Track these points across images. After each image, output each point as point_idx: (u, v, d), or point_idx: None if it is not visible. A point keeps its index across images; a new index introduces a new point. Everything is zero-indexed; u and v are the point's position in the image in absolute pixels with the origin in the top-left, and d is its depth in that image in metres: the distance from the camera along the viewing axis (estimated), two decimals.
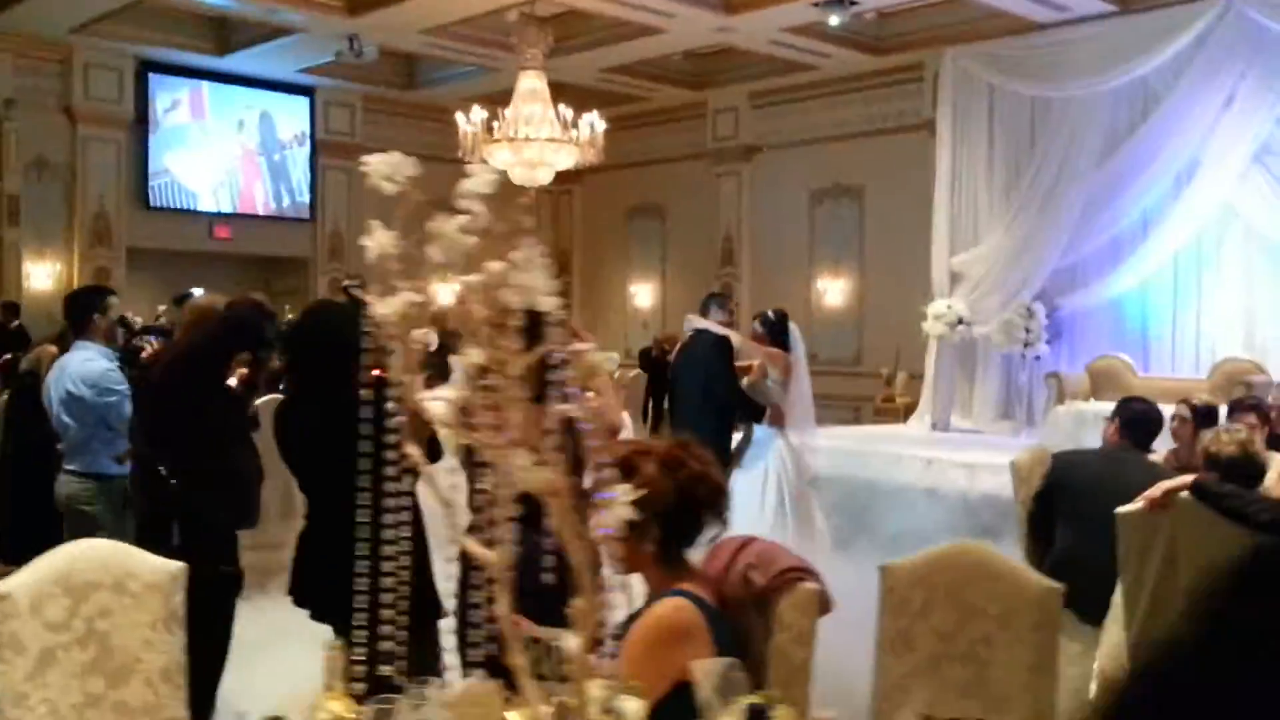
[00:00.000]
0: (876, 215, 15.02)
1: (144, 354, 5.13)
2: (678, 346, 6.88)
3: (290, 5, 11.94)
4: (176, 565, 2.79)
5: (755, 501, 6.13)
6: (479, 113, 10.28)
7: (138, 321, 6.09)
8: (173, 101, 14.60)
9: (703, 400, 6.08)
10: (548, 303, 1.56)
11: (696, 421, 6.09)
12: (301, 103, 15.65)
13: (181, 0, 12.25)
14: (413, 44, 13.41)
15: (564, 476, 1.59)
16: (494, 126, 10.65)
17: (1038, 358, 11.79)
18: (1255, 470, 3.51)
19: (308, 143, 15.77)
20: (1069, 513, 3.85)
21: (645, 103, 16.63)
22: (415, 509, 3.21)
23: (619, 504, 1.85)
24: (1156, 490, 3.49)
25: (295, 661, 3.38)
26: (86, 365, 5.09)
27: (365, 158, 1.68)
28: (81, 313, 5.30)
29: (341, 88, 15.49)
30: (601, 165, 18.13)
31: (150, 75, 14.29)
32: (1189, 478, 3.46)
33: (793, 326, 6.67)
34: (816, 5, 11.59)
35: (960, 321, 12.46)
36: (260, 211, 15.51)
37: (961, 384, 13.15)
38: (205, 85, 14.77)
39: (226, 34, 13.80)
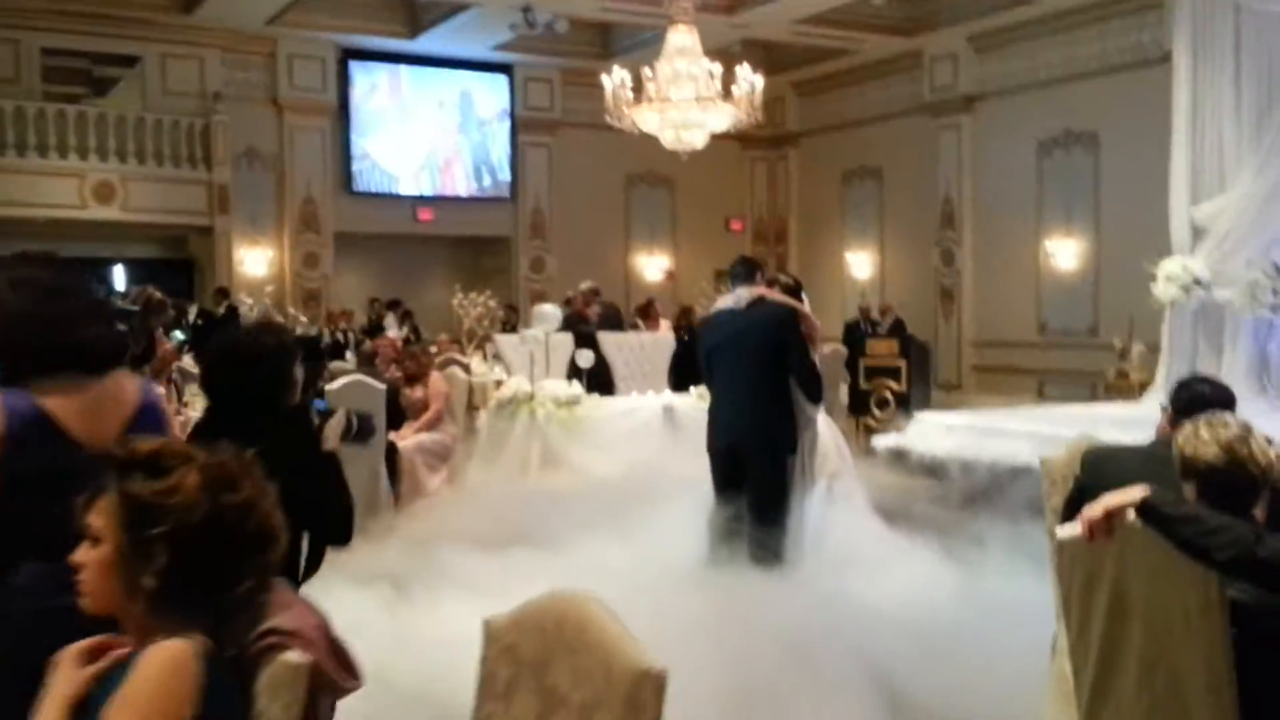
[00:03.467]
0: (1113, 164, 13.28)
1: None
2: (707, 317, 6.00)
3: None
4: None
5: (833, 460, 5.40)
6: (620, 72, 9.71)
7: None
8: (372, 86, 14.94)
9: (767, 378, 5.21)
10: None
11: (762, 403, 5.27)
12: (500, 80, 15.64)
13: None
14: (587, 9, 13.01)
15: None
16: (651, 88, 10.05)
17: None
18: (1247, 483, 2.43)
19: (508, 120, 15.75)
20: None
21: (854, 56, 15.52)
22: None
23: None
24: (1096, 509, 2.48)
25: None
26: None
27: None
28: None
29: (539, 63, 15.33)
30: (816, 127, 17.29)
31: (350, 62, 14.67)
32: (1135, 492, 2.43)
33: (805, 296, 5.74)
34: None
35: (1197, 283, 10.73)
36: (461, 192, 15.65)
37: (1208, 355, 11.36)
38: (403, 69, 15.03)
39: (415, 14, 13.94)
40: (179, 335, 7.48)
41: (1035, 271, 14.19)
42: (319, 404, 3.75)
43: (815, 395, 5.30)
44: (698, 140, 10.12)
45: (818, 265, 17.39)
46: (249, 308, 8.52)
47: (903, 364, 12.08)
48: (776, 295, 5.39)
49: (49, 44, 12.96)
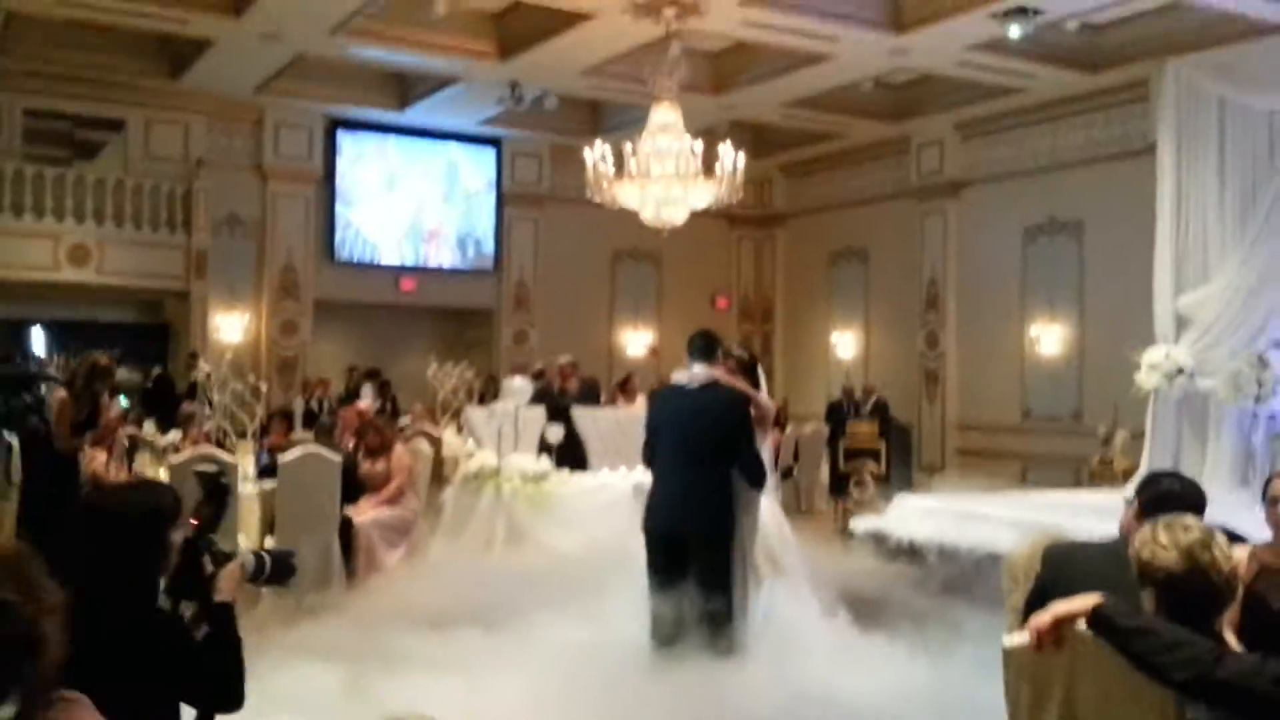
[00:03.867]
0: (1098, 253, 13.25)
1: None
2: (657, 391, 5.82)
3: (444, 54, 11.86)
4: None
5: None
6: (601, 147, 9.66)
7: None
8: (359, 156, 14.92)
9: (710, 465, 5.07)
10: None
11: (703, 489, 5.10)
12: (488, 154, 15.66)
13: (344, 56, 12.40)
14: (577, 88, 13.03)
15: None
16: (632, 163, 9.99)
17: (1272, 416, 9.82)
18: (1209, 592, 2.22)
19: (494, 193, 15.73)
20: None
21: (843, 140, 15.59)
22: None
23: None
24: (1044, 617, 2.28)
25: None
26: None
27: None
28: None
29: (527, 138, 15.35)
30: (803, 208, 17.32)
31: (338, 132, 14.67)
32: (1088, 600, 2.24)
33: (760, 371, 5.61)
34: (995, 16, 10.31)
35: (1180, 372, 10.61)
36: (445, 264, 15.57)
37: (1192, 444, 11.19)
38: (391, 139, 15.02)
39: (404, 88, 13.97)
40: (124, 401, 7.27)
41: (1019, 356, 14.08)
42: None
43: (757, 482, 5.16)
44: (678, 217, 10.04)
45: (803, 344, 17.30)
46: (205, 375, 8.32)
47: (882, 445, 11.88)
48: (730, 380, 5.24)
49: (31, 105, 12.92)
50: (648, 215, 10.01)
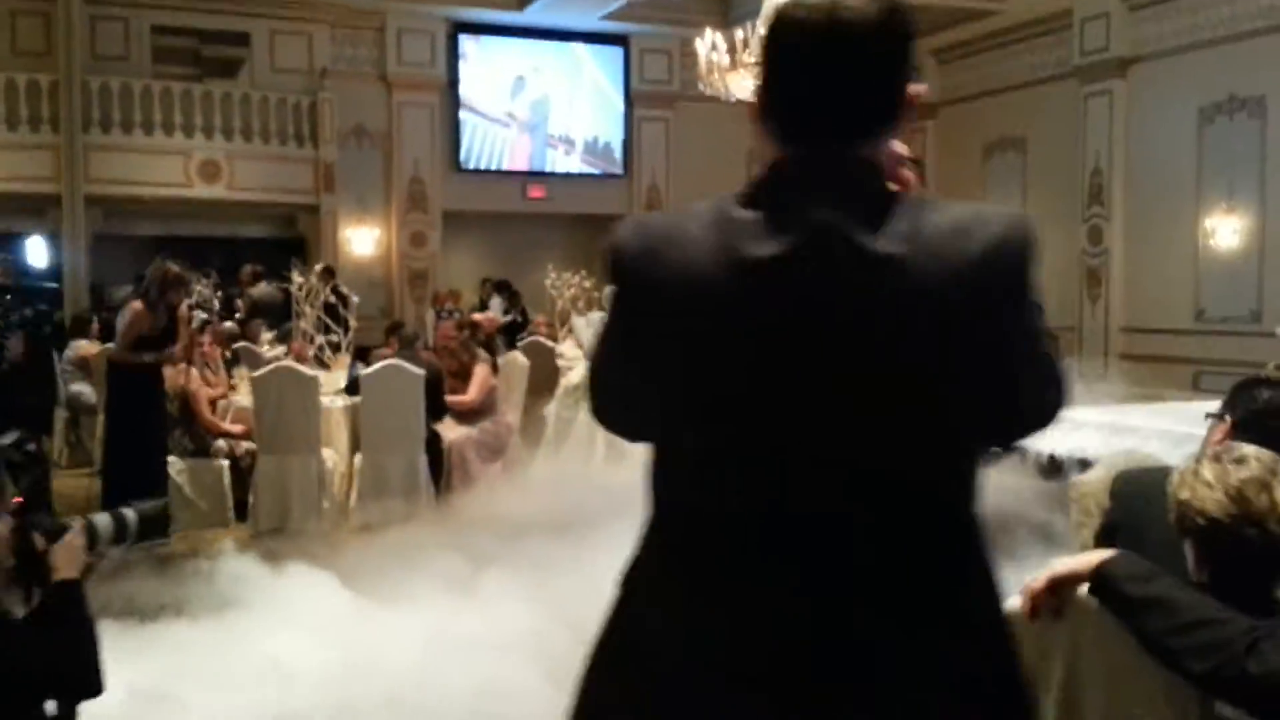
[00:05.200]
0: None
1: None
2: None
3: None
4: None
5: None
6: (710, 36, 8.99)
7: None
8: (482, 61, 14.58)
9: None
10: None
11: None
12: (615, 53, 15.08)
13: None
14: None
15: None
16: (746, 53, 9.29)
17: None
18: (1264, 548, 1.61)
19: (622, 94, 15.18)
20: None
21: (999, 18, 14.37)
22: None
23: None
24: (1039, 579, 1.74)
25: None
26: None
27: None
28: None
29: (655, 33, 14.70)
30: (956, 97, 16.13)
31: (460, 36, 14.34)
32: (1093, 558, 1.68)
33: None
34: None
35: None
36: (573, 170, 15.18)
37: None
38: (515, 42, 14.60)
39: None
40: (202, 315, 7.19)
41: (1193, 252, 12.81)
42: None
43: None
44: None
45: None
46: (299, 287, 8.19)
47: None
48: None
49: (159, 21, 13.03)
50: None
